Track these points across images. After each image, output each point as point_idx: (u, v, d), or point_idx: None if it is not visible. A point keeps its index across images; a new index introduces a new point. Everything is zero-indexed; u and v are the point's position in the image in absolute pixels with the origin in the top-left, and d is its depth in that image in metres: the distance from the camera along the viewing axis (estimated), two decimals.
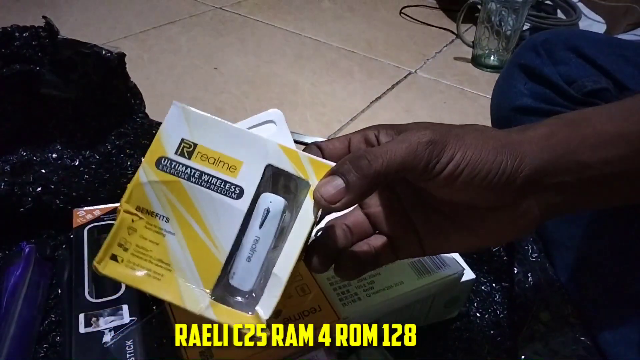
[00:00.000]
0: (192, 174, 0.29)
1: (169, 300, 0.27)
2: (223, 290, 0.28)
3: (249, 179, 0.29)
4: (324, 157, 0.31)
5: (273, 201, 0.29)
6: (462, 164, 0.28)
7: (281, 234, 0.29)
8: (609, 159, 0.29)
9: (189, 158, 0.29)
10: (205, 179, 0.29)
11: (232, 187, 0.29)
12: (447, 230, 0.32)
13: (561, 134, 0.30)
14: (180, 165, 0.29)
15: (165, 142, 0.29)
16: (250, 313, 0.28)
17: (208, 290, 0.28)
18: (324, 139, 0.33)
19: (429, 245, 0.32)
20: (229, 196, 0.29)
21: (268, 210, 0.29)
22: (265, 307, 0.28)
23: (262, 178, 0.29)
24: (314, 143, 0.32)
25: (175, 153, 0.29)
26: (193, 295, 0.28)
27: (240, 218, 0.29)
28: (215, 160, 0.29)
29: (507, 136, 0.29)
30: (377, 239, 0.33)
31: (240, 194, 0.29)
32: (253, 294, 0.29)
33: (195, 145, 0.29)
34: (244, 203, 0.29)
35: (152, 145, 0.29)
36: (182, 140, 0.29)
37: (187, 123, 0.29)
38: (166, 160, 0.29)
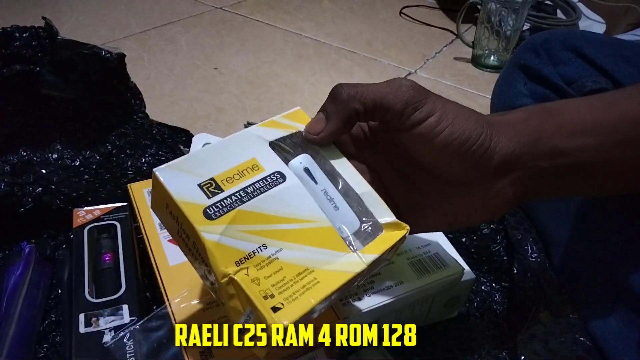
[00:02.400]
0: (240, 196, 0.28)
1: (342, 283, 0.27)
2: (354, 242, 0.30)
3: (273, 163, 0.30)
4: None
5: (302, 160, 0.32)
6: (443, 123, 0.29)
7: (329, 174, 0.32)
8: (585, 147, 0.29)
9: (222, 190, 0.28)
10: (251, 190, 0.29)
11: (272, 177, 0.30)
12: (425, 208, 0.33)
13: (538, 119, 0.30)
14: (225, 200, 0.28)
15: (191, 200, 0.27)
16: (380, 232, 0.31)
17: (348, 251, 0.29)
18: None
19: (409, 223, 0.34)
20: (278, 184, 0.29)
21: (306, 168, 0.31)
22: (386, 215, 0.31)
23: (277, 154, 0.31)
24: None
25: (209, 198, 0.28)
26: (347, 263, 0.28)
27: (303, 189, 0.30)
28: (238, 174, 0.29)
29: (487, 116, 0.30)
30: None
31: (282, 176, 0.30)
32: (365, 222, 0.31)
33: (212, 179, 0.29)
34: (292, 179, 0.30)
35: (187, 215, 0.27)
36: (200, 185, 0.28)
37: (184, 173, 0.28)
38: (211, 208, 0.27)
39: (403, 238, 0.31)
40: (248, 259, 0.26)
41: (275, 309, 0.25)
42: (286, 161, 0.31)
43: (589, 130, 0.29)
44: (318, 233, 0.29)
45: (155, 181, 0.28)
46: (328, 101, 0.31)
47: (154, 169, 0.28)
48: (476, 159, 0.29)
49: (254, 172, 0.29)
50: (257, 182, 0.29)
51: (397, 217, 0.34)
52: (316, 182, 0.31)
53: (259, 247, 0.27)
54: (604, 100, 0.31)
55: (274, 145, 0.32)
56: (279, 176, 0.30)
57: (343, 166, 0.33)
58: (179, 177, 0.28)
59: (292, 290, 0.26)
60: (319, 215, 0.29)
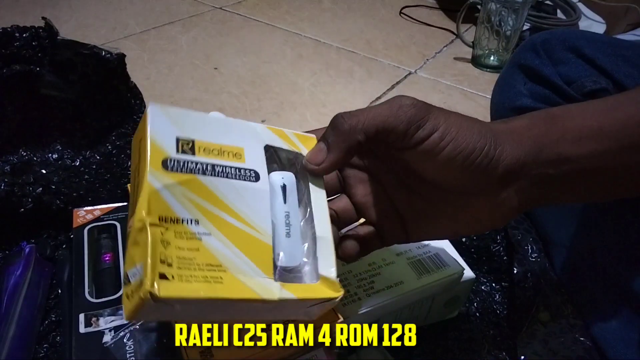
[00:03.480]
0: (205, 167, 0.27)
1: (243, 297, 0.25)
2: (281, 272, 0.28)
3: (256, 161, 0.29)
4: None
5: (285, 177, 0.30)
6: (447, 138, 0.28)
7: (302, 203, 0.31)
8: (590, 153, 0.29)
9: (194, 154, 0.27)
10: (219, 170, 0.27)
11: (246, 171, 0.28)
12: (429, 216, 0.33)
13: (542, 126, 0.30)
14: (189, 162, 0.27)
15: (162, 144, 0.26)
16: (314, 282, 0.28)
17: (271, 276, 0.27)
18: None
19: (413, 231, 0.33)
20: (248, 180, 0.28)
21: (284, 186, 0.30)
22: (329, 269, 0.29)
23: (266, 159, 0.30)
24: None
25: (178, 152, 0.27)
26: (261, 285, 0.26)
27: (266, 198, 0.29)
28: (218, 151, 0.28)
29: (490, 124, 0.30)
30: (363, 228, 0.34)
31: (257, 176, 0.29)
32: (304, 267, 0.29)
33: (193, 141, 0.27)
34: (263, 184, 0.29)
35: (149, 151, 0.26)
36: (178, 139, 0.27)
37: (172, 122, 0.27)
38: (172, 161, 0.26)
39: (333, 301, 0.28)
40: (174, 222, 0.25)
41: (162, 276, 0.23)
42: (270, 170, 0.30)
43: (594, 136, 0.29)
44: (254, 243, 0.27)
45: (145, 113, 0.27)
46: (329, 132, 0.30)
47: (150, 102, 0.27)
48: (481, 170, 0.29)
49: (233, 158, 0.28)
50: (230, 167, 0.28)
51: (400, 225, 0.33)
52: (284, 202, 0.30)
53: (191, 219, 0.25)
54: (608, 105, 0.31)
55: (270, 150, 0.31)
56: (253, 174, 0.29)
57: (319, 201, 0.31)
58: (166, 122, 0.27)
59: (192, 273, 0.24)
60: (266, 229, 0.28)
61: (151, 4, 1.24)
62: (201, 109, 0.84)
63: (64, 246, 0.50)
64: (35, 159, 0.54)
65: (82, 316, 0.38)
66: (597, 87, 0.47)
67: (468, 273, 0.42)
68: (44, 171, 0.53)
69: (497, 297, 0.50)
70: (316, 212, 0.30)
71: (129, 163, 0.57)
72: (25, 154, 0.54)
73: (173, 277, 0.23)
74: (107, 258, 0.44)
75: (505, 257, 0.52)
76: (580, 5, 1.14)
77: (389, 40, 1.17)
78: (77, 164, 0.55)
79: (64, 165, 0.55)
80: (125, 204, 0.49)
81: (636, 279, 0.39)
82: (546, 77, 0.50)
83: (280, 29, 1.18)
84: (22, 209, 0.50)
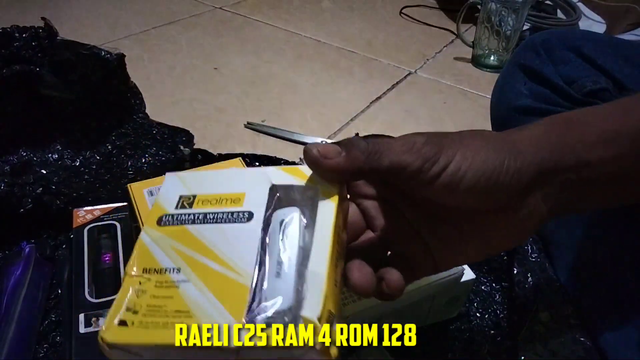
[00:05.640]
0: (196, 217, 0.28)
1: (196, 344, 0.25)
2: (258, 317, 0.25)
3: (255, 203, 0.29)
4: None
5: (286, 213, 0.28)
6: (463, 167, 0.27)
7: (302, 241, 0.28)
8: (607, 157, 0.29)
9: (191, 207, 0.29)
10: (211, 217, 0.28)
11: (239, 214, 0.28)
12: (457, 241, 0.31)
13: (558, 132, 0.29)
14: (183, 215, 0.28)
15: (164, 203, 0.29)
16: (295, 323, 0.25)
17: (240, 320, 0.25)
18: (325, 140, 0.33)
19: (441, 260, 0.31)
20: (238, 222, 0.28)
21: (283, 222, 0.28)
22: (312, 307, 0.25)
23: (269, 198, 0.29)
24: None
25: (176, 208, 0.29)
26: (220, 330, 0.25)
27: (256, 238, 0.27)
28: (217, 200, 0.29)
29: (504, 136, 0.29)
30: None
31: (250, 217, 0.28)
32: (292, 308, 0.26)
33: (195, 196, 0.29)
34: (256, 223, 0.28)
35: (151, 210, 0.29)
36: (181, 196, 0.29)
37: (182, 183, 0.30)
38: (167, 217, 0.28)
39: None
40: (157, 273, 0.26)
41: (122, 323, 0.25)
42: (274, 209, 0.29)
43: (610, 140, 0.29)
44: (230, 286, 0.26)
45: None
46: (345, 143, 0.28)
47: (168, 172, 0.31)
48: (506, 186, 0.28)
49: (231, 204, 0.29)
50: (223, 212, 0.28)
51: (429, 256, 0.31)
52: (281, 240, 0.27)
53: (173, 269, 0.26)
54: (618, 109, 0.30)
55: (282, 189, 0.29)
56: (246, 215, 0.28)
57: (323, 232, 0.28)
58: (176, 185, 0.30)
59: (155, 319, 0.25)
60: (246, 270, 0.26)
61: (151, 4, 1.24)
62: (201, 109, 0.84)
63: (64, 246, 0.50)
64: (35, 159, 0.54)
65: (82, 316, 0.38)
66: (597, 87, 0.47)
67: (468, 273, 0.42)
68: (44, 171, 0.53)
69: (497, 297, 0.50)
70: (316, 248, 0.27)
71: (129, 163, 0.57)
72: (25, 154, 0.54)
73: (133, 323, 0.25)
74: (107, 258, 0.44)
75: (505, 257, 0.52)
76: (580, 5, 1.14)
77: (389, 40, 1.17)
78: (77, 164, 0.55)
79: (64, 165, 0.55)
80: (125, 204, 0.49)
81: (636, 278, 0.39)
82: (546, 77, 0.50)
83: (280, 29, 1.18)
84: (22, 209, 0.50)
